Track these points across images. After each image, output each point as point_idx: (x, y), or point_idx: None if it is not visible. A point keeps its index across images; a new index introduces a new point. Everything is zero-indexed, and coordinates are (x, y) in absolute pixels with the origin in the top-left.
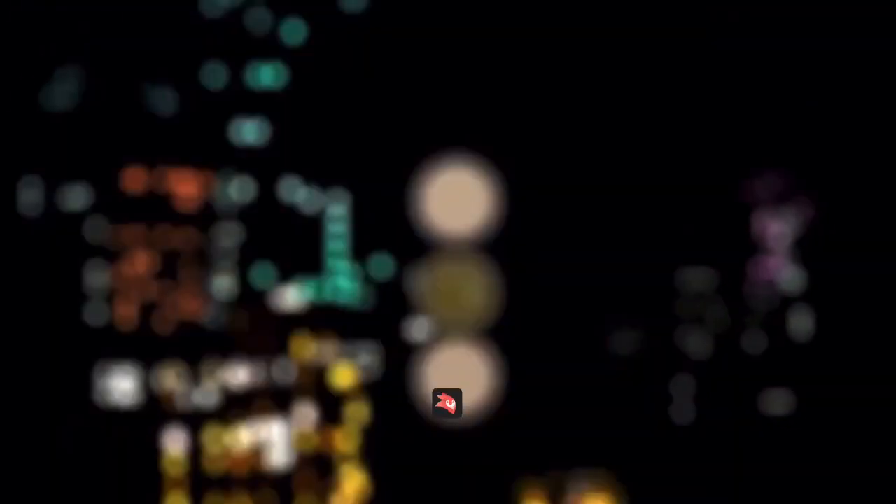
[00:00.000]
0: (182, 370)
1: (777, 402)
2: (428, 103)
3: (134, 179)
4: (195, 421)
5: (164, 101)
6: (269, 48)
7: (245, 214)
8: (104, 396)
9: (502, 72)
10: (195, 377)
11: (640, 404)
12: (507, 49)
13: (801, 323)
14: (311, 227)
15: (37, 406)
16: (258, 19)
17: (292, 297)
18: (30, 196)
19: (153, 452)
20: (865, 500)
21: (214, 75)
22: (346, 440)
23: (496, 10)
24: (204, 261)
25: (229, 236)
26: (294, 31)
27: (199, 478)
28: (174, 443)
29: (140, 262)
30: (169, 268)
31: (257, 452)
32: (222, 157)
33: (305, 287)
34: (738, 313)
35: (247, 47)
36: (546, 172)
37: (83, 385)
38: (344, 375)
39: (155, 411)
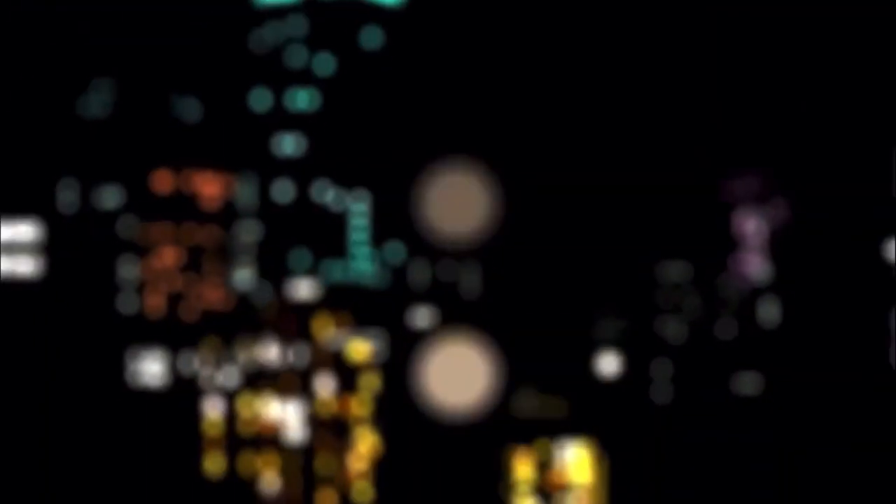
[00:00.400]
0: (219, 347)
1: (747, 383)
2: (433, 121)
3: (162, 181)
4: (230, 391)
5: (189, 110)
6: (305, 77)
7: (285, 210)
8: (135, 378)
9: (497, 89)
10: (230, 354)
11: (624, 385)
12: (498, 68)
13: (768, 312)
14: (338, 221)
15: (76, 386)
16: (296, 54)
17: (306, 287)
18: (68, 196)
19: (194, 419)
20: (827, 471)
21: (260, 99)
22: (360, 406)
23: (488, 42)
24: (225, 255)
25: (249, 233)
26: (325, 64)
27: (233, 439)
28: (213, 409)
29: (167, 257)
30: (194, 262)
31: (282, 420)
32: (265, 165)
33: (333, 268)
34: (712, 303)
35: (286, 77)
36: (538, 175)
37: (116, 367)
38: (358, 350)
39: (187, 388)
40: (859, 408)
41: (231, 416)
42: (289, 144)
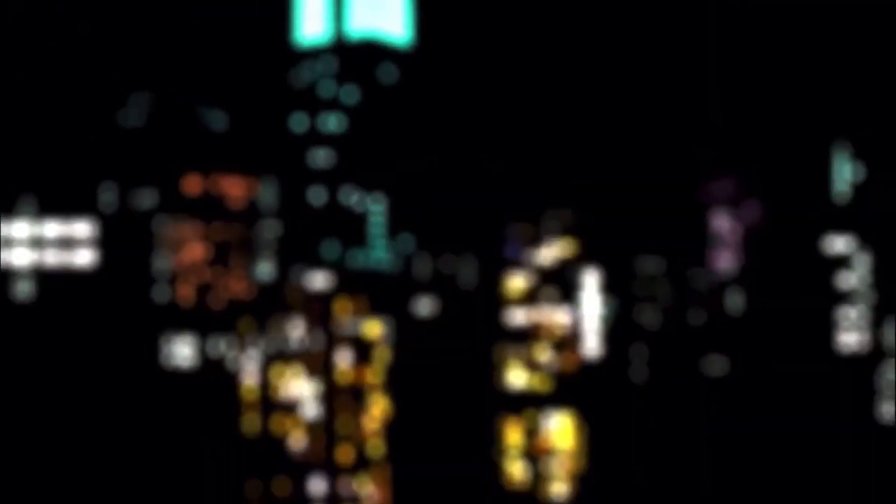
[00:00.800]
0: (253, 326)
1: (715, 365)
2: (438, 139)
3: (192, 184)
4: (263, 365)
5: (217, 120)
6: (334, 105)
7: (318, 210)
8: (168, 360)
9: (493, 107)
10: (261, 333)
11: (606, 366)
12: (494, 93)
13: (735, 301)
14: (361, 219)
15: (119, 365)
16: (327, 87)
17: (322, 278)
18: (108, 198)
19: (220, 395)
20: (789, 446)
21: (299, 122)
22: (373, 375)
23: (484, 72)
24: (249, 250)
25: (270, 231)
26: (350, 95)
27: (266, 402)
28: (249, 377)
29: (197, 252)
30: (221, 256)
31: (300, 397)
32: (303, 175)
33: (357, 255)
34: (684, 293)
35: (319, 104)
36: (536, 176)
37: (151, 350)
38: (372, 328)
39: (215, 369)
40: (810, 386)
41: (265, 385)
42: (321, 158)
